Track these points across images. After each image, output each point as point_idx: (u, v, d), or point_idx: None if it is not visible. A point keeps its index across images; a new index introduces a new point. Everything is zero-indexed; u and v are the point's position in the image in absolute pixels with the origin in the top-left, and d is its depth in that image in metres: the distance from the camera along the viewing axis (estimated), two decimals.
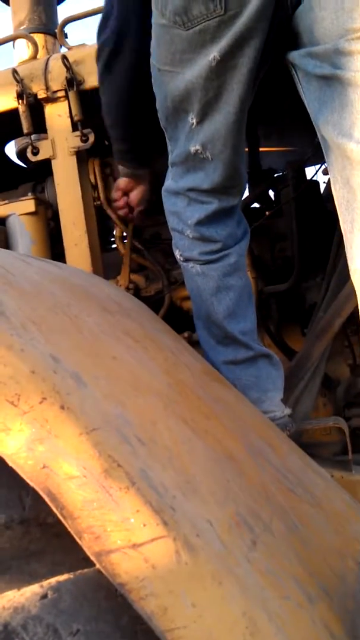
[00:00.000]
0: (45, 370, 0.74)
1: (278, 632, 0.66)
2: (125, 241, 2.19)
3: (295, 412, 1.78)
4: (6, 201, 2.08)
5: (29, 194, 2.10)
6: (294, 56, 1.34)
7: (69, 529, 0.65)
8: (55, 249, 2.11)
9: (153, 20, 1.40)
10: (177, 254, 1.58)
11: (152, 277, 2.16)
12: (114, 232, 2.28)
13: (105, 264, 2.13)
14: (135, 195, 1.89)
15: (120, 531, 0.64)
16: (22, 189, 2.27)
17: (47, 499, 0.65)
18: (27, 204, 2.05)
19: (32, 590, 0.68)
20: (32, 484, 0.66)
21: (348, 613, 0.86)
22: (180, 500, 0.71)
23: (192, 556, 0.65)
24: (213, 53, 1.32)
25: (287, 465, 1.13)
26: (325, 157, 1.31)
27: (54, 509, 0.65)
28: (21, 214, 2.05)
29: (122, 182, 1.89)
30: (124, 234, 2.17)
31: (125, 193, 1.91)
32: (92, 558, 0.64)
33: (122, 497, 0.66)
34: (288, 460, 1.17)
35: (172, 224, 1.57)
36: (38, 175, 2.26)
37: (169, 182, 1.57)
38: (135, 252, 2.18)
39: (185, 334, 2.03)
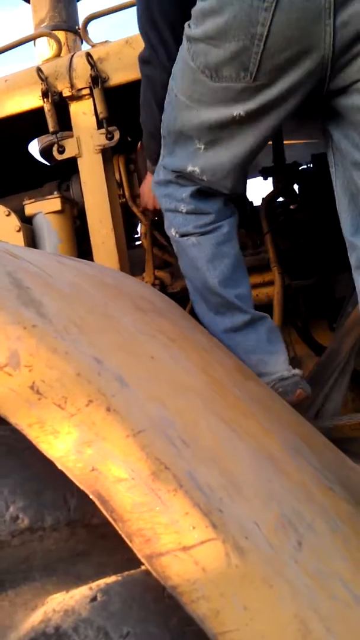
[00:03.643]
0: (90, 373, 0.74)
1: (329, 633, 0.66)
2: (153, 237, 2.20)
3: (324, 408, 1.78)
4: (33, 200, 2.08)
5: (55, 192, 2.11)
6: (337, 137, 1.40)
7: (120, 532, 0.65)
8: (81, 247, 2.11)
9: (182, 53, 1.42)
10: (172, 232, 1.60)
11: (177, 274, 2.16)
12: (139, 229, 2.28)
13: (131, 261, 2.14)
14: None
15: (170, 534, 0.64)
16: (48, 187, 2.28)
17: (97, 502, 0.65)
18: (54, 203, 2.06)
19: (81, 593, 0.68)
20: (81, 487, 0.66)
21: None
22: (227, 501, 0.71)
23: (242, 559, 0.65)
24: (238, 110, 1.35)
25: (324, 463, 1.13)
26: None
27: (104, 512, 0.65)
28: (47, 213, 2.06)
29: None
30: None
31: None
32: (143, 561, 0.64)
33: (170, 500, 0.66)
34: (324, 458, 1.17)
35: (165, 205, 1.60)
36: (62, 173, 2.26)
37: (160, 177, 1.61)
38: (161, 249, 2.18)
39: None
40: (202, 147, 1.45)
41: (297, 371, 1.57)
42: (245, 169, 1.50)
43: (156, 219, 2.24)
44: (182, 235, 1.58)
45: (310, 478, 1.00)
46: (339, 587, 0.77)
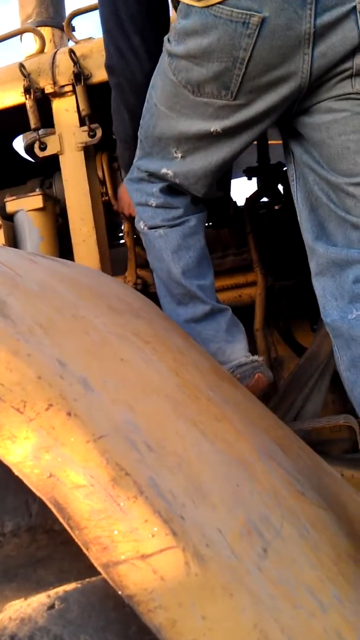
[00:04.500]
0: (52, 376, 0.72)
1: None
2: (135, 236, 2.18)
3: (304, 410, 1.77)
4: (14, 197, 2.06)
5: (37, 189, 2.09)
6: (299, 153, 1.46)
7: (76, 540, 0.63)
8: (63, 245, 2.10)
9: (162, 66, 1.43)
10: (141, 225, 1.63)
11: None
12: (122, 227, 2.27)
13: (114, 259, 2.12)
14: None
15: (128, 542, 0.63)
16: (30, 184, 2.26)
17: (53, 509, 0.64)
18: (36, 200, 2.04)
19: (39, 600, 0.67)
20: (38, 493, 0.64)
21: None
22: (190, 508, 0.70)
23: (202, 567, 0.64)
24: (215, 126, 1.40)
25: (298, 467, 1.12)
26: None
27: (61, 519, 0.64)
28: (29, 210, 2.04)
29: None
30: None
31: None
32: (100, 569, 0.63)
33: (130, 507, 0.64)
34: (298, 462, 1.16)
35: (136, 199, 1.63)
36: (46, 170, 2.24)
37: (133, 175, 1.64)
38: (143, 248, 2.16)
39: None
40: (180, 155, 1.49)
41: (256, 357, 1.59)
42: (216, 176, 1.54)
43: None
44: (151, 228, 1.60)
45: (281, 483, 0.99)
46: (305, 595, 0.76)
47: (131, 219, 2.06)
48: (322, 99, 1.36)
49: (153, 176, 1.57)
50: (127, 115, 1.62)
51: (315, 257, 1.46)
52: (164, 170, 1.52)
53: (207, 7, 1.28)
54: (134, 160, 1.62)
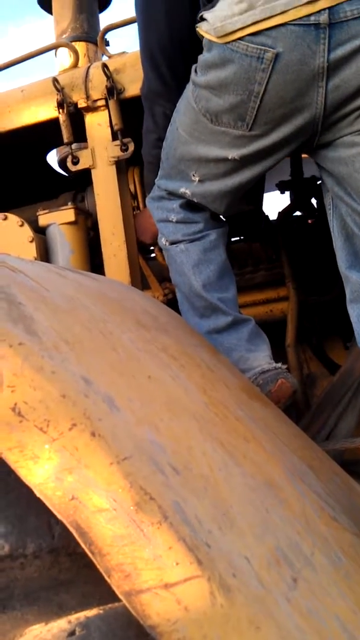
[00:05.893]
0: (77, 394, 0.71)
1: None
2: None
3: (337, 429, 1.73)
4: (47, 211, 2.07)
5: (69, 203, 2.09)
6: (331, 184, 1.47)
7: (97, 566, 0.61)
8: (94, 259, 2.09)
9: (187, 93, 1.48)
10: (163, 242, 1.64)
11: None
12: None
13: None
14: None
15: (152, 570, 0.61)
16: (63, 198, 2.27)
17: (75, 533, 0.62)
18: (67, 214, 2.04)
19: (59, 626, 0.65)
20: (59, 516, 0.63)
21: None
22: (216, 535, 0.67)
23: (228, 598, 0.61)
24: (233, 154, 1.43)
25: (330, 490, 1.08)
26: None
27: (82, 544, 0.62)
28: (61, 224, 2.04)
29: None
30: None
31: None
32: (122, 597, 0.61)
33: (153, 533, 0.62)
34: (331, 484, 1.12)
35: (157, 216, 1.66)
36: (79, 184, 2.25)
37: (154, 194, 1.67)
38: None
39: None
40: (197, 179, 1.52)
41: (280, 364, 1.56)
42: (235, 197, 1.56)
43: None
44: (172, 243, 1.62)
45: (312, 507, 0.95)
46: (336, 628, 0.72)
47: (143, 246, 2.06)
48: (344, 133, 1.38)
49: (172, 194, 1.60)
50: (156, 141, 1.67)
51: (349, 284, 1.47)
52: (182, 190, 1.55)
53: (226, 42, 1.33)
54: (156, 179, 1.66)
